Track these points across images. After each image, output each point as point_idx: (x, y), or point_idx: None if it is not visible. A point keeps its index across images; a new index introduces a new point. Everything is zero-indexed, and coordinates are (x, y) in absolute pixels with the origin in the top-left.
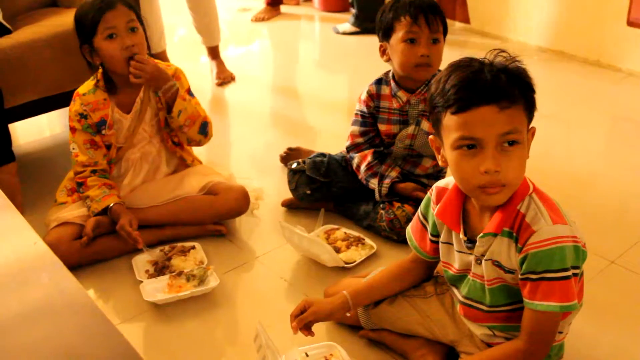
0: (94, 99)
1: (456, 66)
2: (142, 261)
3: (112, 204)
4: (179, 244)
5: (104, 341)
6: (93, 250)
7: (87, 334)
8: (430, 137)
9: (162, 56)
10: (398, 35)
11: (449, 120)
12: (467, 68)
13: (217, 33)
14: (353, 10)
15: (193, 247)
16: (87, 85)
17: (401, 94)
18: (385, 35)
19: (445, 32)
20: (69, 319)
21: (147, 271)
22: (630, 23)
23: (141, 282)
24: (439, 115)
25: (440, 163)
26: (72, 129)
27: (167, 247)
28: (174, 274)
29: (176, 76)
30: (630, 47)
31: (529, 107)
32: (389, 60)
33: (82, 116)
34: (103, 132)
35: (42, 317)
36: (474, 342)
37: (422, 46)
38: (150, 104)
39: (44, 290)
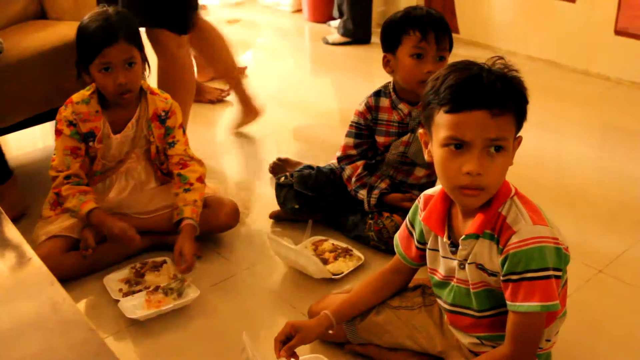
0: (86, 109)
1: (455, 67)
2: (113, 280)
3: (91, 209)
4: (150, 260)
5: (95, 357)
6: (80, 263)
7: (79, 351)
8: (420, 130)
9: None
10: (405, 49)
11: (441, 118)
12: (466, 70)
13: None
14: (340, 22)
15: (164, 262)
16: (82, 95)
17: (403, 106)
18: (391, 47)
19: (450, 49)
20: (61, 335)
21: (120, 290)
22: (617, 32)
23: (117, 300)
24: (431, 112)
25: (426, 158)
26: (58, 132)
27: (138, 264)
28: (150, 289)
29: (171, 111)
30: (618, 56)
31: (520, 117)
32: (392, 72)
33: (71, 123)
34: (90, 144)
35: (34, 332)
36: (462, 353)
37: (429, 63)
38: (143, 133)
39: (36, 305)
